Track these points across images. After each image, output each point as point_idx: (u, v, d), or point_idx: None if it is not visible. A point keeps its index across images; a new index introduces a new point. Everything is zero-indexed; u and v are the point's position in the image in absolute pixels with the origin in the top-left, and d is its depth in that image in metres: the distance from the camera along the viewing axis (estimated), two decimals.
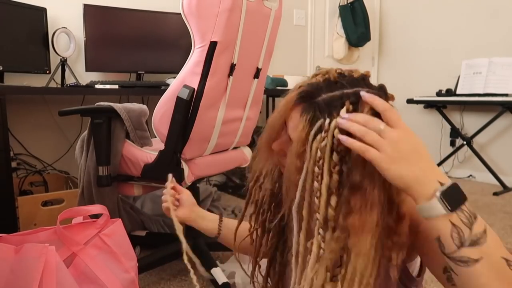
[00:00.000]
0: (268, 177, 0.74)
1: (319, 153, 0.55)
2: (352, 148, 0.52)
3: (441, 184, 0.53)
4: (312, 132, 0.56)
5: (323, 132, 0.55)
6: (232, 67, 1.18)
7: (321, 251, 0.56)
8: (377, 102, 0.54)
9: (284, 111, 0.61)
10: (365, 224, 0.53)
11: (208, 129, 1.22)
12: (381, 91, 0.60)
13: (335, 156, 0.55)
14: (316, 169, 0.56)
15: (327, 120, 0.55)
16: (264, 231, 0.76)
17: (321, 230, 0.56)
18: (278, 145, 0.65)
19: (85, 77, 2.18)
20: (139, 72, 2.27)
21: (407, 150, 0.51)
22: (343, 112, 0.55)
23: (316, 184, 0.56)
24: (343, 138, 0.53)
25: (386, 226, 0.56)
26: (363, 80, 0.61)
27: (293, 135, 0.60)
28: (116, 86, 1.90)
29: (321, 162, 0.55)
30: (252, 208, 0.78)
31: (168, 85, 2.02)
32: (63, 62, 2.03)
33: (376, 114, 0.55)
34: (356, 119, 0.53)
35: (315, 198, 0.56)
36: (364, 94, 0.55)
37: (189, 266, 0.79)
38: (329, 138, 0.55)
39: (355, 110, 0.55)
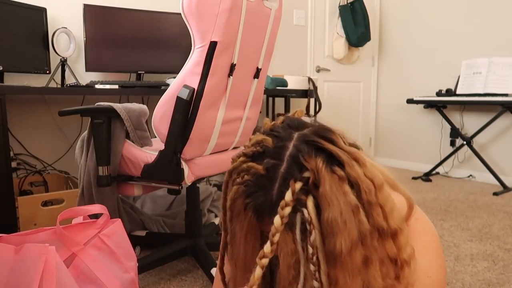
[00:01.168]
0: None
1: (310, 250, 0.49)
2: None
3: None
4: (298, 233, 0.50)
5: (307, 225, 0.49)
6: (232, 67, 1.18)
7: None
8: None
9: (254, 239, 0.55)
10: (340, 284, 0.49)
11: (208, 129, 1.22)
12: (299, 127, 0.55)
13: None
14: (312, 266, 0.50)
15: (304, 211, 0.49)
16: None
17: None
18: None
19: (85, 77, 2.18)
20: (139, 72, 2.27)
21: None
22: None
23: (315, 282, 0.50)
24: None
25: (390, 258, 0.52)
26: (280, 140, 0.54)
27: (279, 251, 0.52)
28: (116, 86, 1.90)
29: (315, 257, 0.49)
30: None
31: (168, 85, 2.02)
32: (63, 62, 2.03)
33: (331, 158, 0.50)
34: None
35: None
36: None
37: None
38: (316, 228, 0.49)
39: (302, 180, 0.50)
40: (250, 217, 0.53)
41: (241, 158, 0.57)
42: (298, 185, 0.49)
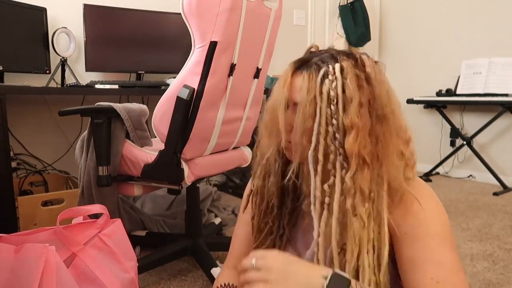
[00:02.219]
0: (273, 159, 0.75)
1: (332, 93, 0.61)
2: None
3: (324, 277, 0.56)
4: (319, 79, 0.62)
5: (329, 76, 0.62)
6: (232, 67, 1.18)
7: (345, 184, 0.61)
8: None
9: (284, 81, 0.66)
10: (388, 151, 0.62)
11: (208, 129, 1.22)
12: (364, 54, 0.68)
13: (348, 93, 0.61)
14: (329, 110, 0.61)
15: (330, 67, 0.62)
16: (263, 229, 0.77)
17: (344, 164, 0.61)
18: (286, 119, 0.67)
19: (85, 77, 2.18)
20: (139, 72, 2.27)
21: (281, 268, 0.57)
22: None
23: (332, 124, 0.61)
24: None
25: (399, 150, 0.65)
26: (341, 51, 0.68)
27: (299, 94, 0.64)
28: (116, 86, 1.90)
29: (335, 101, 0.61)
30: (253, 210, 0.79)
31: (168, 85, 2.02)
32: (63, 62, 2.03)
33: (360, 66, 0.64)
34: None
35: (330, 140, 0.61)
36: None
37: None
38: (338, 79, 0.61)
39: (351, 58, 0.64)
40: (288, 68, 0.67)
41: (310, 45, 0.73)
42: (350, 60, 0.64)
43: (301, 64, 0.66)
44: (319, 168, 0.63)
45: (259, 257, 0.59)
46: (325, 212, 0.64)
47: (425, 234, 0.64)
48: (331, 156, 0.62)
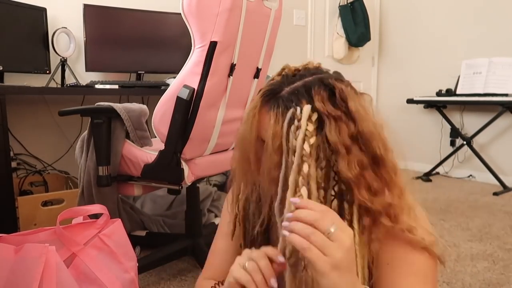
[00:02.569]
0: (248, 191, 0.71)
1: (295, 143, 0.55)
2: (293, 243, 0.49)
3: None
4: (285, 124, 0.56)
5: (295, 121, 0.55)
6: (232, 67, 1.18)
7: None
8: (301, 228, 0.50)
9: (252, 117, 0.61)
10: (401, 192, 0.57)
11: (208, 129, 1.22)
12: (340, 76, 0.63)
13: (314, 140, 0.55)
14: (296, 159, 0.55)
15: (298, 109, 0.56)
16: (248, 243, 0.73)
17: None
18: (255, 155, 0.63)
19: (85, 77, 2.18)
20: (139, 72, 2.27)
21: (351, 260, 0.50)
22: (287, 212, 0.52)
23: (300, 174, 0.54)
24: (286, 233, 0.50)
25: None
26: (318, 69, 0.63)
27: (266, 134, 0.59)
28: (116, 86, 1.90)
29: (298, 151, 0.54)
30: (240, 237, 0.74)
31: (168, 85, 2.02)
32: (63, 62, 2.03)
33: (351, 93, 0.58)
34: (302, 218, 0.50)
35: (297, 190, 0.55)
36: (285, 233, 0.51)
37: None
38: (303, 126, 0.55)
39: (326, 91, 0.57)
40: (257, 98, 0.61)
41: (284, 66, 0.66)
42: (324, 95, 0.57)
43: (270, 98, 0.59)
44: None
45: (340, 228, 0.49)
46: (292, 270, 0.56)
47: (409, 271, 0.59)
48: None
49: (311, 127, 0.55)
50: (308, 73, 0.61)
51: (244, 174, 0.68)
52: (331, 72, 0.64)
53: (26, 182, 1.94)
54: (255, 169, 0.64)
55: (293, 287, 0.55)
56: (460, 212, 2.23)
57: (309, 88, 0.57)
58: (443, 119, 3.15)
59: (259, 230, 0.69)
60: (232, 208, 0.74)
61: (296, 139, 0.55)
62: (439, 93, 3.08)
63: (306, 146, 0.54)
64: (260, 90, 0.62)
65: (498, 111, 2.75)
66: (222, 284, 0.68)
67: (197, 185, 1.52)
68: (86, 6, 2.05)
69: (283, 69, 0.64)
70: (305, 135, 0.54)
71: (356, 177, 0.54)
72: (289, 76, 0.61)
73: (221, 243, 0.81)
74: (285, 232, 0.51)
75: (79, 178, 1.28)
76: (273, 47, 1.36)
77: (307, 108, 0.55)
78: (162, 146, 1.18)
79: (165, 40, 2.29)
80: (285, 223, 0.51)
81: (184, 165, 1.21)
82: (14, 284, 0.75)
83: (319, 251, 0.47)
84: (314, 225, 0.49)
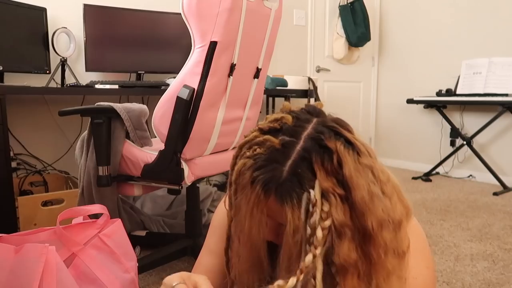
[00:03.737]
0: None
1: (309, 230, 0.49)
2: None
3: None
4: (303, 212, 0.49)
5: (311, 207, 0.49)
6: (232, 67, 1.18)
7: None
8: None
9: (259, 213, 0.53)
10: (388, 274, 0.50)
11: (208, 129, 1.22)
12: (318, 114, 0.55)
13: (328, 223, 0.49)
14: (307, 246, 0.50)
15: (311, 192, 0.49)
16: None
17: None
18: (269, 237, 0.57)
19: (85, 77, 2.18)
20: (139, 72, 2.27)
21: None
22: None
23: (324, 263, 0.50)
24: None
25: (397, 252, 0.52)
26: (298, 120, 0.54)
27: (282, 220, 0.52)
28: (116, 86, 1.90)
29: (312, 238, 0.49)
30: None
31: (168, 85, 2.02)
32: (63, 62, 2.03)
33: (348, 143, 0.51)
34: None
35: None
36: None
37: None
38: (318, 209, 0.49)
39: (328, 161, 0.50)
40: (258, 191, 0.52)
41: (255, 133, 0.55)
42: (328, 165, 0.49)
43: (275, 187, 0.51)
44: None
45: None
46: None
47: None
48: None
49: (326, 207, 0.49)
50: (294, 134, 0.52)
51: (254, 271, 0.61)
52: (313, 115, 0.55)
53: (26, 182, 1.94)
54: (267, 264, 0.59)
55: None
56: (460, 212, 2.23)
57: (310, 161, 0.50)
58: (443, 119, 3.16)
59: None
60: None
61: (311, 228, 0.49)
62: (439, 93, 3.08)
63: (319, 232, 0.48)
64: (254, 179, 0.52)
65: (498, 111, 2.75)
66: None
67: (197, 185, 1.52)
68: (86, 6, 2.05)
69: (262, 141, 0.53)
70: (321, 217, 0.49)
71: (354, 262, 0.49)
72: (277, 150, 0.51)
73: (207, 260, 0.76)
74: None
75: (79, 178, 1.28)
76: (273, 47, 1.36)
77: (317, 188, 0.49)
78: (162, 146, 1.18)
79: (165, 40, 2.29)
80: None
81: (184, 165, 1.21)
82: (14, 284, 0.75)
83: None
84: None
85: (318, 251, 0.48)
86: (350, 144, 0.51)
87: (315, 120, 0.54)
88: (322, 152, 0.50)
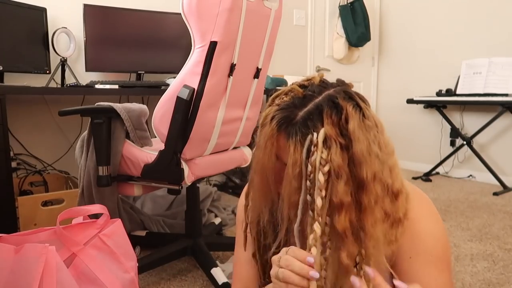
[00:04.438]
0: (267, 216, 0.73)
1: (310, 168, 0.57)
2: None
3: None
4: (304, 152, 0.58)
5: (312, 147, 0.57)
6: (232, 67, 1.18)
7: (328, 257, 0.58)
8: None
9: (270, 146, 0.62)
10: (375, 221, 0.56)
11: (208, 129, 1.22)
12: (344, 85, 0.64)
13: (327, 168, 0.56)
14: (308, 183, 0.57)
15: (315, 135, 0.57)
16: (265, 265, 0.76)
17: (331, 239, 0.58)
18: (277, 177, 0.65)
19: (85, 77, 2.18)
20: (139, 72, 2.27)
21: None
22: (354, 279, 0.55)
23: (317, 198, 0.57)
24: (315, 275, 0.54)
25: (386, 212, 0.59)
26: (324, 83, 0.64)
27: (287, 160, 0.60)
28: (116, 86, 1.90)
29: (312, 175, 0.57)
30: (253, 246, 0.77)
31: (168, 85, 2.02)
32: (63, 62, 2.03)
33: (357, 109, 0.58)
34: None
35: (316, 213, 0.57)
36: (369, 272, 0.54)
37: None
38: (318, 151, 0.56)
39: (337, 115, 0.58)
40: (272, 126, 0.61)
41: (287, 87, 0.66)
42: (334, 119, 0.57)
43: (286, 125, 0.60)
44: (308, 242, 0.59)
45: None
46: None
47: (429, 259, 0.64)
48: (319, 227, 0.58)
49: (325, 154, 0.56)
50: (317, 91, 0.61)
51: (263, 197, 0.70)
52: (335, 83, 0.64)
53: (26, 182, 1.94)
54: (276, 190, 0.67)
55: None
56: (460, 212, 2.23)
57: (321, 111, 0.58)
58: (443, 119, 3.16)
59: (274, 252, 0.71)
60: (250, 222, 0.76)
61: (312, 166, 0.57)
62: (439, 93, 3.08)
63: (321, 177, 0.56)
64: (273, 117, 0.62)
65: (498, 111, 2.75)
66: None
67: (197, 185, 1.52)
68: (86, 6, 2.05)
69: (290, 90, 0.64)
70: (320, 163, 0.56)
71: (348, 203, 0.56)
72: (299, 98, 0.61)
73: (242, 252, 0.82)
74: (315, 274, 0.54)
75: (79, 178, 1.28)
76: (273, 47, 1.36)
77: (321, 134, 0.57)
78: (162, 146, 1.18)
79: (165, 40, 2.29)
80: (313, 274, 0.55)
81: (184, 165, 1.21)
82: (14, 284, 0.75)
83: None
84: None
85: (323, 193, 0.56)
86: (359, 108, 0.59)
87: (338, 87, 0.63)
88: (333, 107, 0.58)
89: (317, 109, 0.58)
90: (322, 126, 0.57)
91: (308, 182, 0.57)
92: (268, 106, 0.66)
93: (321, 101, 0.59)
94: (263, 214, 0.73)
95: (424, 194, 0.71)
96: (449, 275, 0.65)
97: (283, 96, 0.64)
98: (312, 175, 0.57)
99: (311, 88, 0.62)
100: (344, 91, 0.61)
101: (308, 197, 0.58)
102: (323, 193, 0.56)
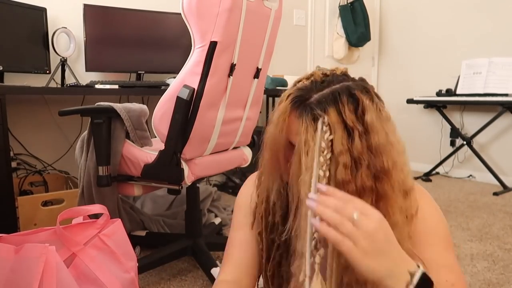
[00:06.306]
0: (276, 194, 0.73)
1: (323, 144, 0.58)
2: (326, 236, 0.52)
3: (411, 274, 0.52)
4: (318, 132, 0.59)
5: (324, 127, 0.59)
6: (232, 67, 1.18)
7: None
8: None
9: (282, 121, 0.63)
10: (396, 209, 0.59)
11: (208, 129, 1.22)
12: (364, 83, 0.64)
13: (337, 151, 0.58)
14: (321, 158, 0.58)
15: (326, 118, 0.59)
16: (271, 245, 0.76)
17: None
18: (284, 156, 0.66)
19: (85, 77, 2.18)
20: (139, 72, 2.27)
21: (381, 242, 0.51)
22: (311, 193, 0.57)
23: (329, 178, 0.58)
24: (317, 224, 0.53)
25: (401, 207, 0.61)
26: (345, 75, 0.65)
27: (297, 139, 0.61)
28: (116, 86, 1.90)
29: (325, 152, 0.58)
30: (260, 225, 0.77)
31: (168, 85, 2.02)
32: (63, 62, 2.03)
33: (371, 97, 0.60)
34: (328, 204, 0.53)
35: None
36: (315, 223, 0.54)
37: None
38: (327, 134, 0.58)
39: (353, 104, 0.59)
40: (287, 103, 0.63)
41: (313, 72, 0.67)
42: (349, 104, 0.59)
43: (300, 104, 0.62)
44: None
45: (364, 213, 0.52)
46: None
47: (435, 239, 0.66)
48: None
49: (331, 136, 0.58)
50: (336, 79, 0.62)
51: (272, 173, 0.72)
52: (357, 79, 0.66)
53: (26, 182, 1.94)
54: (284, 168, 0.68)
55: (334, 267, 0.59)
56: (460, 212, 2.23)
57: (337, 97, 0.59)
58: (443, 119, 3.15)
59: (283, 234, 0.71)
60: (258, 197, 0.78)
61: (323, 142, 0.59)
62: (439, 93, 3.08)
63: (324, 144, 0.58)
64: (289, 95, 0.64)
65: (498, 111, 2.75)
66: None
67: (197, 185, 1.52)
68: (86, 6, 2.05)
69: (311, 74, 0.65)
70: (330, 140, 0.58)
71: (370, 188, 0.58)
72: (317, 82, 0.63)
73: (239, 234, 0.81)
74: (315, 222, 0.53)
75: (79, 178, 1.28)
76: (273, 47, 1.36)
77: (333, 117, 0.58)
78: (162, 146, 1.18)
79: (165, 40, 2.29)
80: (311, 204, 0.54)
81: (184, 165, 1.21)
82: (14, 284, 0.75)
83: (351, 242, 0.50)
84: (339, 213, 0.52)
85: (322, 159, 0.58)
86: (375, 104, 0.61)
87: (359, 81, 0.64)
88: (350, 97, 0.59)
89: (333, 94, 0.60)
90: (335, 110, 0.58)
91: (321, 158, 0.58)
92: (290, 88, 0.68)
93: (338, 88, 0.60)
94: (272, 191, 0.73)
95: (424, 188, 0.73)
96: (454, 255, 0.67)
97: (304, 80, 0.66)
98: (325, 151, 0.58)
99: (331, 77, 0.63)
100: (363, 86, 0.62)
101: (321, 172, 0.58)
102: (328, 155, 0.58)
